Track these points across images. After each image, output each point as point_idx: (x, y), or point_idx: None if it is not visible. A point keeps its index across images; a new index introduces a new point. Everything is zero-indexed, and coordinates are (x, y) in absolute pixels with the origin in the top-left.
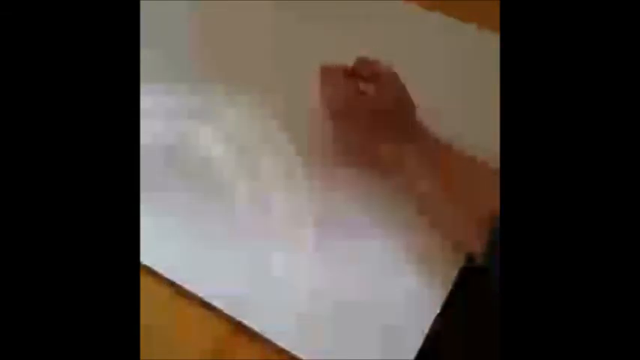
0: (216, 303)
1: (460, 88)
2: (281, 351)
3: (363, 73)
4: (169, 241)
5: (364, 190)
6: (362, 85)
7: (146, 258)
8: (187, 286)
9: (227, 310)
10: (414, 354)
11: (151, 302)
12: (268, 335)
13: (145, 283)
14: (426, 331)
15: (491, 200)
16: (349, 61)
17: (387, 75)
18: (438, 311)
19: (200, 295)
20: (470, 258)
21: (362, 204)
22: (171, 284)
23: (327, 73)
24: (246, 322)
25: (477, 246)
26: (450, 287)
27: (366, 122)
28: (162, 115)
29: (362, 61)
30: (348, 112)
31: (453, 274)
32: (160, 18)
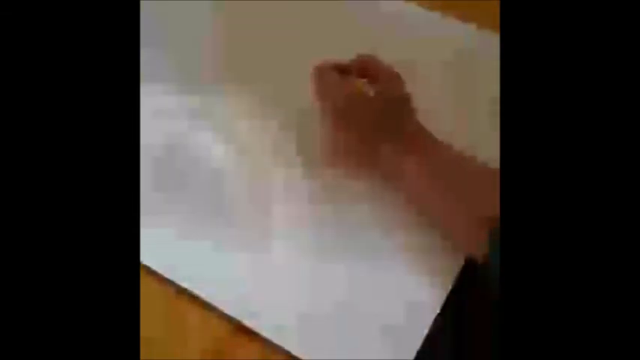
0: (216, 303)
1: (460, 88)
2: (281, 351)
3: (363, 69)
4: (169, 241)
5: (364, 190)
6: (360, 84)
7: (146, 258)
8: (187, 286)
9: (227, 310)
10: (414, 354)
11: (151, 302)
12: (268, 335)
13: (145, 283)
14: (426, 331)
15: (491, 200)
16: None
17: (388, 74)
18: (438, 311)
19: (200, 295)
20: (470, 258)
21: (362, 204)
22: (172, 284)
23: (322, 72)
24: (246, 322)
25: (477, 246)
26: (449, 287)
27: (365, 122)
28: (162, 115)
29: (363, 58)
30: (347, 112)
31: (453, 274)
32: (161, 18)
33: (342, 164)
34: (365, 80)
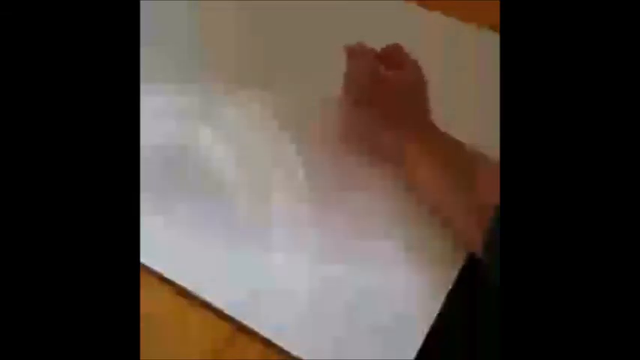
0: (216, 303)
1: (459, 88)
2: (281, 351)
3: (390, 57)
4: (170, 241)
5: (364, 189)
6: (384, 69)
7: (146, 258)
8: (187, 287)
9: (227, 311)
10: (414, 354)
11: (151, 302)
12: (268, 335)
13: (145, 283)
14: (426, 330)
15: (490, 191)
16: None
17: (412, 63)
18: (438, 311)
19: (200, 295)
20: (470, 257)
21: (363, 204)
22: (172, 284)
23: (356, 52)
24: (246, 322)
25: (477, 234)
26: (449, 287)
27: (382, 105)
28: (162, 116)
29: (392, 48)
30: (369, 92)
31: (453, 273)
32: (160, 18)
33: (355, 147)
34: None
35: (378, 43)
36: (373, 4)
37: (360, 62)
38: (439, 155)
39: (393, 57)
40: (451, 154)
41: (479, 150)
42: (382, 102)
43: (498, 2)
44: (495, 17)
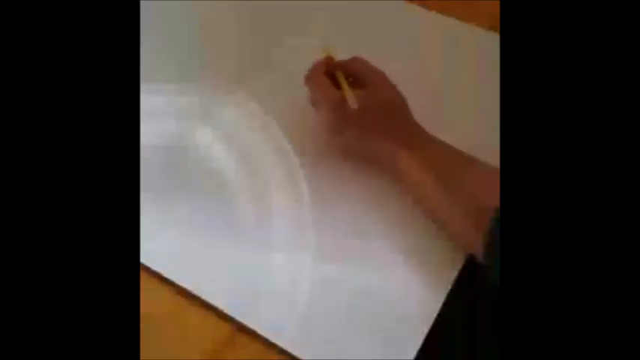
0: (216, 303)
1: (459, 88)
2: (281, 351)
3: (352, 73)
4: (169, 241)
5: (364, 189)
6: (347, 92)
7: (146, 258)
8: (187, 286)
9: (227, 311)
10: (414, 354)
11: (151, 302)
12: (268, 335)
13: (145, 283)
14: (426, 330)
15: (488, 193)
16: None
17: (375, 77)
18: (438, 311)
19: (200, 295)
20: (470, 257)
21: (362, 204)
22: (172, 284)
23: (313, 80)
24: (246, 322)
25: (476, 236)
26: (449, 287)
27: (356, 127)
28: (162, 116)
29: (352, 62)
30: (334, 120)
31: (453, 274)
32: (160, 18)
33: (340, 162)
34: (358, 92)
35: (378, 43)
36: (373, 4)
37: (320, 93)
38: (431, 160)
39: (356, 73)
40: (443, 158)
41: (477, 154)
42: (356, 123)
43: (498, 2)
44: (495, 17)
